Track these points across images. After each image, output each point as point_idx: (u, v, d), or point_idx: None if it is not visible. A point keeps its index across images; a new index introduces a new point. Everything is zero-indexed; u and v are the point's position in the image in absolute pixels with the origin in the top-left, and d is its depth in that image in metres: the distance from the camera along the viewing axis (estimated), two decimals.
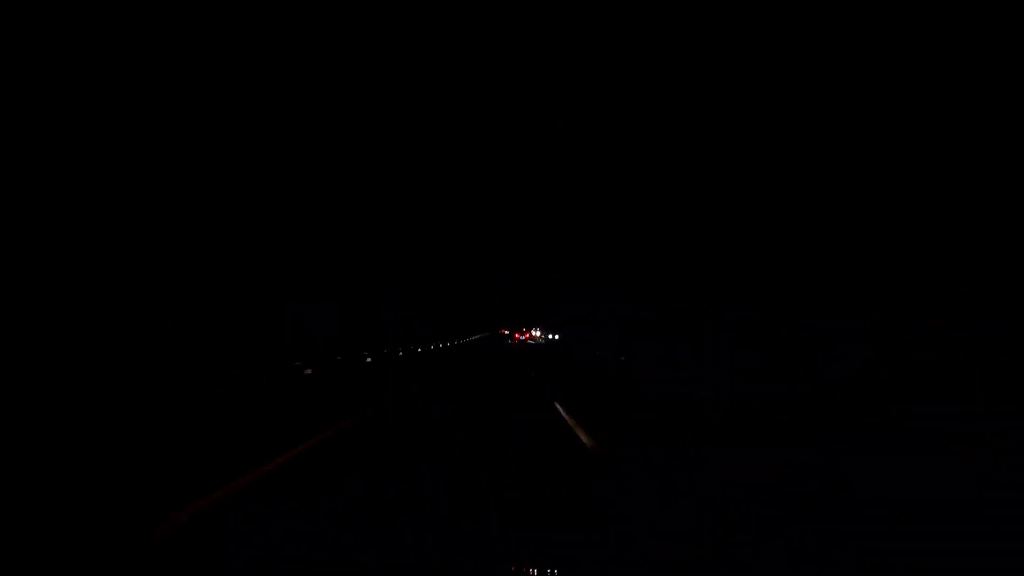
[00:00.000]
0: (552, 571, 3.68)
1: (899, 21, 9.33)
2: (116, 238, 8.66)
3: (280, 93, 10.96)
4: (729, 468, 6.31)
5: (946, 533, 4.37)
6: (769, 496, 5.36)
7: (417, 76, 11.64)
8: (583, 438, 7.77)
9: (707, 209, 19.79)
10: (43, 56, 6.97)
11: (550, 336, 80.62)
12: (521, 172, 18.04)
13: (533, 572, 3.41)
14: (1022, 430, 8.59)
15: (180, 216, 10.27)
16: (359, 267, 21.32)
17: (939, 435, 8.29)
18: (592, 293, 52.60)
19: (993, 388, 10.51)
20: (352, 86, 11.62)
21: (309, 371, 13.76)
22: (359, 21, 9.65)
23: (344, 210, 17.54)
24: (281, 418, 9.93)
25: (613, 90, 12.42)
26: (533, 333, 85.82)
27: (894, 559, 3.91)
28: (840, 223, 14.57)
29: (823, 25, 9.72)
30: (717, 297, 23.23)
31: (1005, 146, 10.11)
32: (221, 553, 4.03)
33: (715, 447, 7.45)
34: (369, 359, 19.15)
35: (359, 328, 21.17)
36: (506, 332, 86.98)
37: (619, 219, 24.28)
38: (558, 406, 11.05)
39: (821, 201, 14.73)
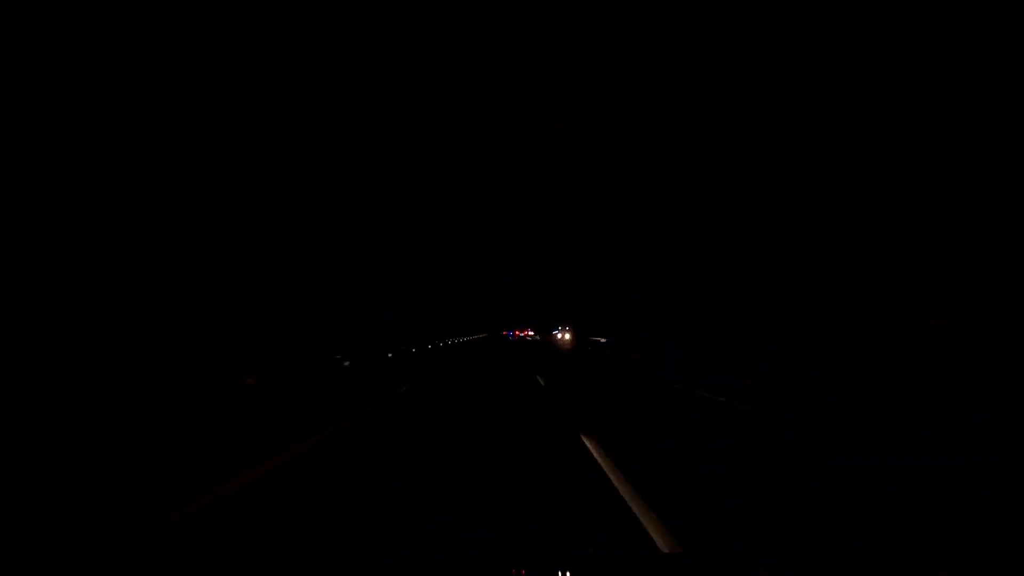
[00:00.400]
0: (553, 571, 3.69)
1: (899, 21, 9.33)
2: (116, 238, 8.67)
3: (280, 93, 10.97)
4: (726, 463, 6.33)
5: (944, 526, 4.38)
6: (765, 489, 5.40)
7: (418, 77, 11.64)
8: (582, 437, 7.78)
9: (707, 209, 19.79)
10: (44, 57, 6.98)
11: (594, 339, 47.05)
12: (521, 172, 18.04)
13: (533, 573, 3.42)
14: (1019, 427, 8.59)
15: (180, 216, 10.28)
16: (359, 267, 21.34)
17: (938, 432, 8.30)
18: (592, 293, 52.45)
19: (993, 387, 10.51)
20: (352, 86, 11.62)
21: (250, 380, 12.77)
22: (359, 21, 9.65)
23: (344, 210, 17.56)
24: (277, 419, 9.92)
25: (613, 90, 12.42)
26: (563, 336, 71.40)
27: (890, 553, 3.92)
28: (840, 223, 14.56)
29: (823, 25, 9.72)
30: (717, 297, 23.24)
31: (1004, 147, 10.12)
32: (220, 552, 4.04)
33: (713, 443, 7.47)
34: (347, 363, 19.03)
35: (359, 328, 21.19)
36: (507, 334, 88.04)
37: (619, 219, 24.29)
38: (557, 402, 11.08)
39: (821, 201, 14.73)
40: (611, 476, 5.84)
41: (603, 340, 46.37)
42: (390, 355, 24.53)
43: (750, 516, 4.69)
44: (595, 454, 6.86)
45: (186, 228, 10.57)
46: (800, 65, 10.84)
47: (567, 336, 61.12)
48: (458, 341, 49.87)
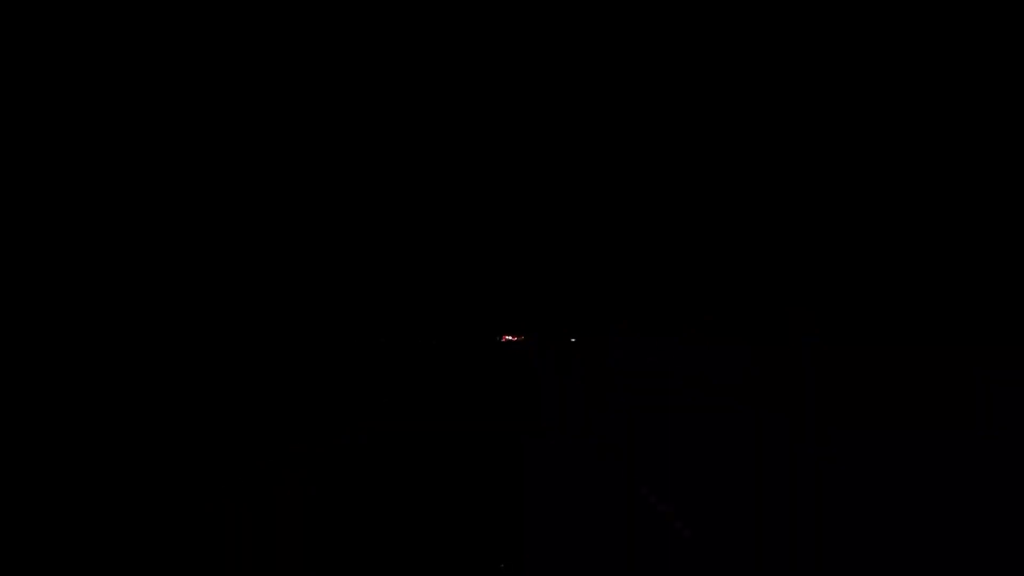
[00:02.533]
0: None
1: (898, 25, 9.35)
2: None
3: (281, 93, 10.98)
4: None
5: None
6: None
7: (417, 76, 11.66)
8: None
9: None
10: (46, 58, 7.00)
11: None
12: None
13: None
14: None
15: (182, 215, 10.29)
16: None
17: None
18: None
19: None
20: (352, 86, 11.64)
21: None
22: (360, 21, 9.67)
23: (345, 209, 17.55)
24: None
25: (612, 89, 12.43)
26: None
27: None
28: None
29: (822, 35, 9.74)
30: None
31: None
32: None
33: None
34: None
35: None
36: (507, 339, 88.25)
37: None
38: None
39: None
40: None
41: None
42: None
43: None
44: None
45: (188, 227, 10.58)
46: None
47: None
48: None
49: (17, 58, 6.66)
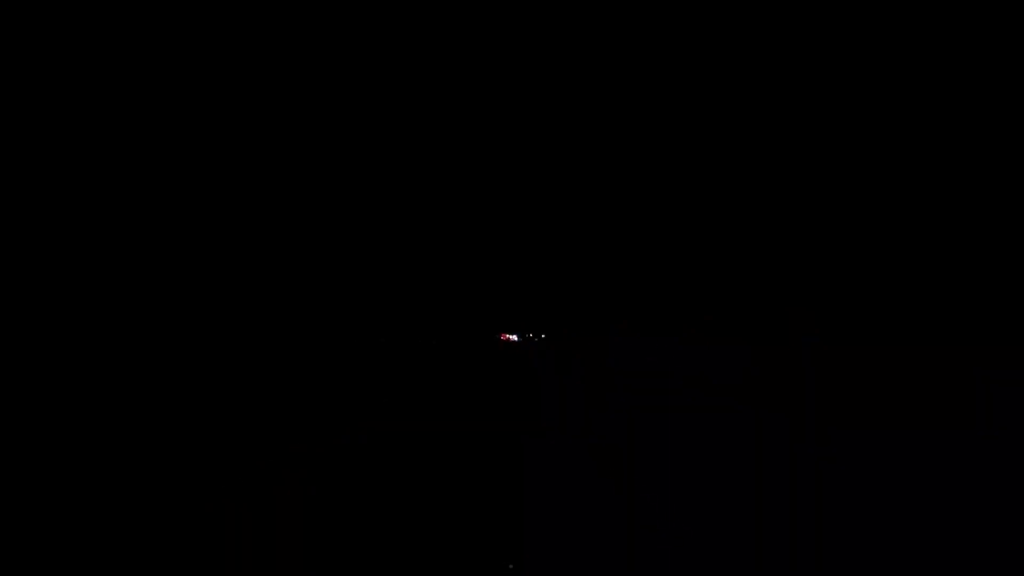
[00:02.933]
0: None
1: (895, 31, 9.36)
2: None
3: (280, 92, 10.98)
4: None
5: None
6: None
7: (417, 75, 11.65)
8: None
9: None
10: (46, 57, 7.00)
11: None
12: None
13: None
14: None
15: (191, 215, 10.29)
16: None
17: None
18: None
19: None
20: (352, 85, 11.64)
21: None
22: (360, 21, 9.68)
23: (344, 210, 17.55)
24: None
25: (611, 88, 12.44)
26: None
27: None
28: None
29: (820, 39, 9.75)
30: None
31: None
32: None
33: None
34: None
35: None
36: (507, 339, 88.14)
37: None
38: None
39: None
40: None
41: None
42: None
43: None
44: None
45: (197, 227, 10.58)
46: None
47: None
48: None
49: (17, 58, 6.66)
